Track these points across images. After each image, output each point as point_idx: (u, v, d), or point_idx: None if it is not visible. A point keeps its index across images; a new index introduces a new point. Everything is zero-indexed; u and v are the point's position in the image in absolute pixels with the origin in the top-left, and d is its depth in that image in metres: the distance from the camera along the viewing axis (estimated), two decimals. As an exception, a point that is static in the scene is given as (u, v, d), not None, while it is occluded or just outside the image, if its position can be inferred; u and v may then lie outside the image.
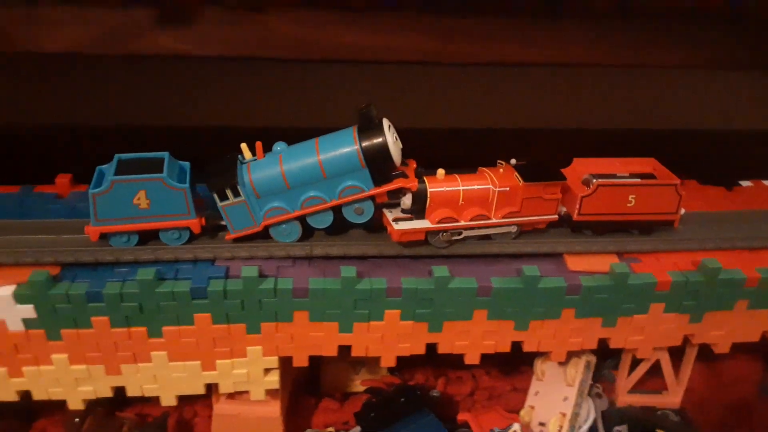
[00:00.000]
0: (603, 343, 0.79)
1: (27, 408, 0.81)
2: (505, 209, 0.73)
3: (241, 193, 0.69)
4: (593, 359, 0.84)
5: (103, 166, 0.71)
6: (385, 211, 0.74)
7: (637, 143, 1.05)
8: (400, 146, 0.70)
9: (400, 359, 0.77)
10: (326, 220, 0.72)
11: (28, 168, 0.78)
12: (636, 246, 0.77)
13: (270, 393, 0.79)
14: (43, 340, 0.69)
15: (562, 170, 0.78)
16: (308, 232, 0.74)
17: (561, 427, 0.81)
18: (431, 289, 0.71)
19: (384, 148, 0.67)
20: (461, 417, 0.85)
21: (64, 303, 0.67)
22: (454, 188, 0.71)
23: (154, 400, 0.93)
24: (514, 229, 0.75)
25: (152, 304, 0.68)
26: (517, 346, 0.77)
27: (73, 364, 0.71)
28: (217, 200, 0.69)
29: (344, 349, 0.75)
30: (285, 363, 0.77)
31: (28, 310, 0.67)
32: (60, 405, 0.91)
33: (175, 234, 0.72)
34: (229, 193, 0.69)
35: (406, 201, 0.72)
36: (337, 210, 0.71)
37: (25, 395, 0.74)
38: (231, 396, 0.83)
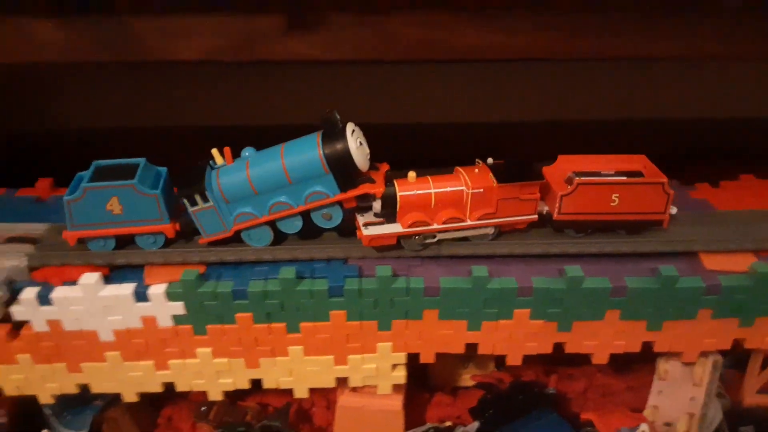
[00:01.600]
0: (737, 343, 0.76)
1: (154, 396, 0.85)
2: (481, 211, 0.71)
3: (210, 199, 0.69)
4: (720, 359, 0.82)
5: (82, 173, 0.72)
6: (357, 215, 0.73)
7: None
8: (366, 151, 0.69)
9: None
10: (296, 226, 0.72)
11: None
12: (774, 244, 0.74)
13: (394, 387, 0.81)
14: (189, 335, 0.73)
15: (545, 168, 0.75)
16: (280, 237, 0.74)
17: (689, 427, 0.79)
18: (563, 289, 0.70)
19: (346, 154, 0.66)
20: (585, 416, 0.84)
21: (211, 300, 0.70)
22: (425, 191, 0.70)
23: (272, 391, 0.97)
24: (490, 230, 0.73)
25: (292, 302, 0.71)
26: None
27: (216, 357, 0.75)
28: (188, 206, 0.70)
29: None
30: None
31: (178, 307, 0.71)
32: (184, 394, 0.97)
33: (150, 239, 0.72)
34: (198, 198, 0.69)
35: (377, 205, 0.70)
36: (307, 215, 0.71)
37: (169, 387, 0.79)
38: (354, 389, 0.85)
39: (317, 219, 0.71)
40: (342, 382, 0.80)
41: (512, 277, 0.71)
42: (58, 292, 0.69)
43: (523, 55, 0.78)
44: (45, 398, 0.78)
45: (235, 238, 0.73)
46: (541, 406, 0.88)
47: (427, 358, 0.77)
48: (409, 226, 0.70)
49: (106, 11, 0.74)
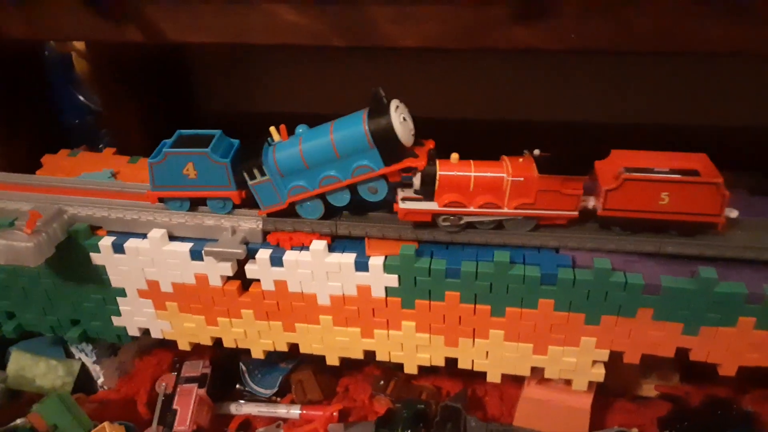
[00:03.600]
0: None
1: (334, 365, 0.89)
2: (519, 200, 0.70)
3: (266, 173, 0.73)
4: None
5: (167, 140, 0.78)
6: (398, 189, 0.74)
7: None
8: (410, 127, 0.70)
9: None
10: (344, 199, 0.74)
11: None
12: None
13: (588, 385, 0.79)
14: (398, 308, 0.77)
15: (597, 162, 0.73)
16: (332, 211, 0.77)
17: None
18: (801, 300, 0.66)
19: (389, 129, 0.68)
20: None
21: (425, 276, 0.73)
22: (465, 173, 0.70)
23: (444, 373, 0.99)
24: (528, 222, 0.72)
25: (502, 285, 0.72)
26: None
27: (419, 332, 0.78)
28: (248, 179, 0.74)
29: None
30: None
31: (393, 280, 0.74)
32: (360, 365, 1.02)
33: (219, 203, 0.78)
34: (256, 172, 0.73)
35: (416, 181, 0.71)
36: (356, 190, 0.73)
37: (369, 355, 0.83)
38: (540, 382, 0.85)
39: (364, 192, 0.73)
40: (535, 372, 0.80)
41: (742, 282, 0.67)
42: (289, 255, 0.75)
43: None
44: (257, 353, 0.86)
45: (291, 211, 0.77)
46: (739, 426, 0.83)
47: (632, 358, 0.75)
48: (445, 206, 0.71)
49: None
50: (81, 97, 1.38)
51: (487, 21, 0.77)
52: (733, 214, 0.71)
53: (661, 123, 1.13)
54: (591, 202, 0.73)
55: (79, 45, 1.28)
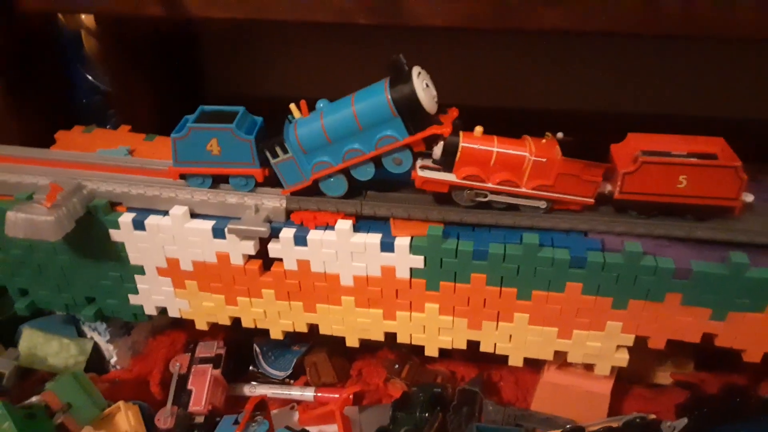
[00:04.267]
0: None
1: (348, 348, 0.88)
2: (537, 181, 0.70)
3: (289, 150, 0.72)
4: None
5: (189, 116, 0.77)
6: (418, 159, 0.73)
7: None
8: (433, 93, 0.68)
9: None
10: (368, 173, 0.73)
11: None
12: None
13: (611, 369, 0.79)
14: (421, 290, 0.76)
15: (613, 146, 0.73)
16: (355, 189, 0.75)
17: None
18: (832, 286, 0.65)
19: (412, 96, 0.66)
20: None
21: (451, 258, 0.72)
22: (487, 148, 0.69)
23: (459, 358, 0.98)
24: (542, 203, 0.71)
25: (530, 268, 0.71)
26: None
27: (442, 314, 0.77)
28: (270, 158, 0.73)
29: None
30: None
31: (418, 261, 0.73)
32: (373, 349, 1.01)
33: (242, 181, 0.77)
34: (278, 150, 0.72)
35: (437, 150, 0.70)
36: (380, 163, 0.72)
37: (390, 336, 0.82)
38: (560, 367, 0.84)
39: (389, 165, 0.72)
40: (557, 356, 0.80)
41: (773, 268, 0.67)
42: (314, 235, 0.74)
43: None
44: (276, 333, 0.85)
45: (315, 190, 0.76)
46: (757, 413, 0.83)
47: (657, 343, 0.75)
48: (463, 179, 0.71)
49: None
50: (89, 77, 1.36)
51: (516, 1, 0.76)
52: (749, 198, 0.71)
53: (682, 114, 1.12)
54: (607, 186, 0.72)
55: (89, 22, 1.26)
